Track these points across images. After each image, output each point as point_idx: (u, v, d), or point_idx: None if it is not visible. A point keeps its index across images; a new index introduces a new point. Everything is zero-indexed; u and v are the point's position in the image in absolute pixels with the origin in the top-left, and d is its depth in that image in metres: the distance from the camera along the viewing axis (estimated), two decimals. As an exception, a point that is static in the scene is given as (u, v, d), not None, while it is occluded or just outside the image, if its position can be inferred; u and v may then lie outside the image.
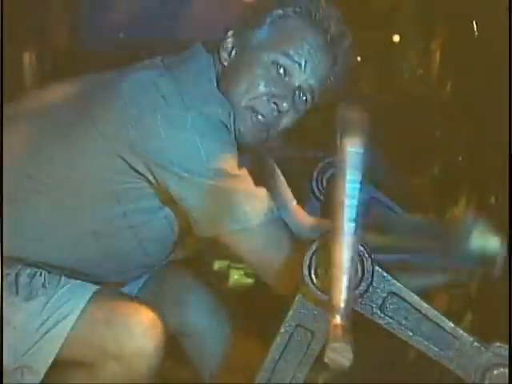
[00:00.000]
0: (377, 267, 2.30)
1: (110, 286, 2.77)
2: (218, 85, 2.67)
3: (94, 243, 2.66)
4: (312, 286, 2.30)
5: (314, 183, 3.33)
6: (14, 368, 2.57)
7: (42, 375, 2.56)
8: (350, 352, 2.03)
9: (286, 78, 2.63)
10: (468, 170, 3.99)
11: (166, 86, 2.55)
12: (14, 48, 4.17)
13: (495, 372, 2.33)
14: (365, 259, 2.28)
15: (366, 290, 2.30)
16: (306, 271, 2.30)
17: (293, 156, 4.39)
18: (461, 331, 2.34)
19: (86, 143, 2.57)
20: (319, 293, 2.30)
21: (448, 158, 4.25)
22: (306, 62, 2.63)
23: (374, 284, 2.30)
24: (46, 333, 2.55)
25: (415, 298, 2.34)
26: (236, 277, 4.33)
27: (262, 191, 2.53)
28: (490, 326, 2.74)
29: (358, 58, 4.85)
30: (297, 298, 2.32)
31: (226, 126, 2.57)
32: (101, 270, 2.73)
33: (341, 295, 2.07)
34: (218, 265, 4.36)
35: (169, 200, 2.58)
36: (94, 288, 2.62)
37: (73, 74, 2.87)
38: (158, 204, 2.63)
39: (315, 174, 3.34)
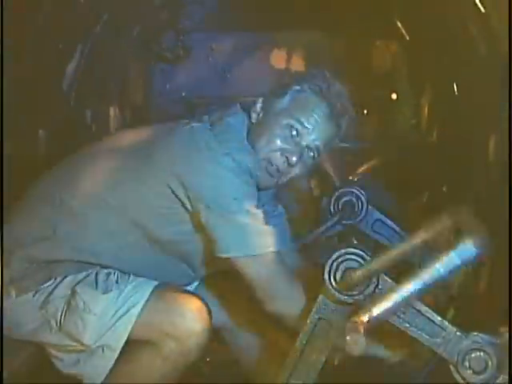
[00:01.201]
0: (381, 274, 2.31)
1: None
2: (247, 138, 2.70)
3: (147, 253, 2.71)
4: (331, 288, 2.31)
5: (331, 207, 3.34)
6: (96, 346, 2.59)
7: (118, 352, 2.59)
8: (364, 342, 2.03)
9: (297, 139, 2.67)
10: (450, 197, 3.97)
11: (208, 135, 2.61)
12: (103, 103, 4.20)
13: (473, 355, 2.31)
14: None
15: (373, 291, 2.30)
16: (326, 276, 2.31)
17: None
18: (446, 323, 2.33)
19: (147, 176, 2.61)
20: (337, 293, 2.31)
21: (434, 188, 4.23)
22: (313, 127, 2.67)
23: (380, 287, 2.31)
24: (119, 318, 2.57)
25: (411, 297, 2.34)
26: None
27: (270, 229, 2.57)
28: (468, 319, 2.72)
29: (365, 111, 4.86)
30: (320, 297, 2.32)
31: (251, 172, 2.60)
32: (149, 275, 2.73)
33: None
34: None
35: (200, 225, 2.60)
36: (155, 283, 2.64)
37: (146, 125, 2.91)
38: (192, 228, 2.65)
39: (333, 200, 3.36)
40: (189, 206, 2.58)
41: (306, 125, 2.66)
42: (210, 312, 2.63)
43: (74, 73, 3.64)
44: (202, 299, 2.65)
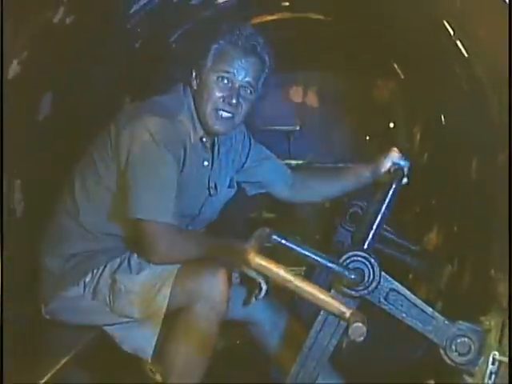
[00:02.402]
0: (382, 272, 2.30)
1: None
2: (194, 102, 2.69)
3: None
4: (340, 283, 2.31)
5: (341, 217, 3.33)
6: (145, 316, 2.57)
7: (161, 319, 2.54)
8: (364, 327, 2.03)
9: (230, 84, 2.64)
10: (438, 209, 3.96)
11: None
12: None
13: (458, 340, 2.31)
14: (375, 267, 2.28)
15: (376, 287, 2.29)
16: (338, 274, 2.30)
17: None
18: (436, 313, 2.33)
19: None
20: (345, 288, 2.30)
21: (425, 201, 4.22)
22: (237, 70, 2.63)
23: (381, 283, 2.29)
24: (158, 291, 2.54)
25: (407, 292, 2.33)
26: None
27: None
28: (454, 310, 2.71)
29: (367, 137, 4.86)
30: (332, 291, 2.31)
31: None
32: None
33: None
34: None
35: None
36: None
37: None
38: None
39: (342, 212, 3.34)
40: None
41: (231, 70, 2.63)
42: (223, 270, 2.53)
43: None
44: (224, 271, 2.56)
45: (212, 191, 2.80)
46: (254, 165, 3.00)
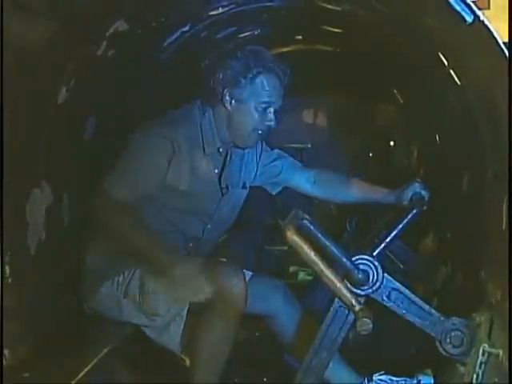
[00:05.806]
0: (385, 274, 2.31)
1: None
2: (230, 119, 2.72)
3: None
4: (348, 283, 2.31)
5: (347, 224, 3.33)
6: (170, 315, 2.58)
7: (185, 317, 2.56)
8: (371, 323, 2.03)
9: (267, 109, 2.69)
10: (433, 218, 3.93)
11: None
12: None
13: (453, 334, 2.32)
14: (379, 269, 2.28)
15: (379, 287, 2.30)
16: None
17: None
18: (433, 310, 2.34)
19: None
20: (352, 288, 2.31)
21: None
22: (273, 97, 2.68)
23: (384, 283, 2.30)
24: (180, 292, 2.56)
25: (407, 292, 2.34)
26: (301, 276, 4.29)
27: None
28: (448, 307, 2.70)
29: (370, 154, 4.85)
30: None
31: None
32: None
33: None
34: (292, 269, 4.33)
35: None
36: (202, 260, 2.62)
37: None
38: None
39: (348, 219, 3.35)
40: None
41: (268, 100, 2.68)
42: (242, 271, 2.57)
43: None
44: (240, 272, 2.57)
45: (224, 191, 2.81)
46: (267, 167, 3.00)
